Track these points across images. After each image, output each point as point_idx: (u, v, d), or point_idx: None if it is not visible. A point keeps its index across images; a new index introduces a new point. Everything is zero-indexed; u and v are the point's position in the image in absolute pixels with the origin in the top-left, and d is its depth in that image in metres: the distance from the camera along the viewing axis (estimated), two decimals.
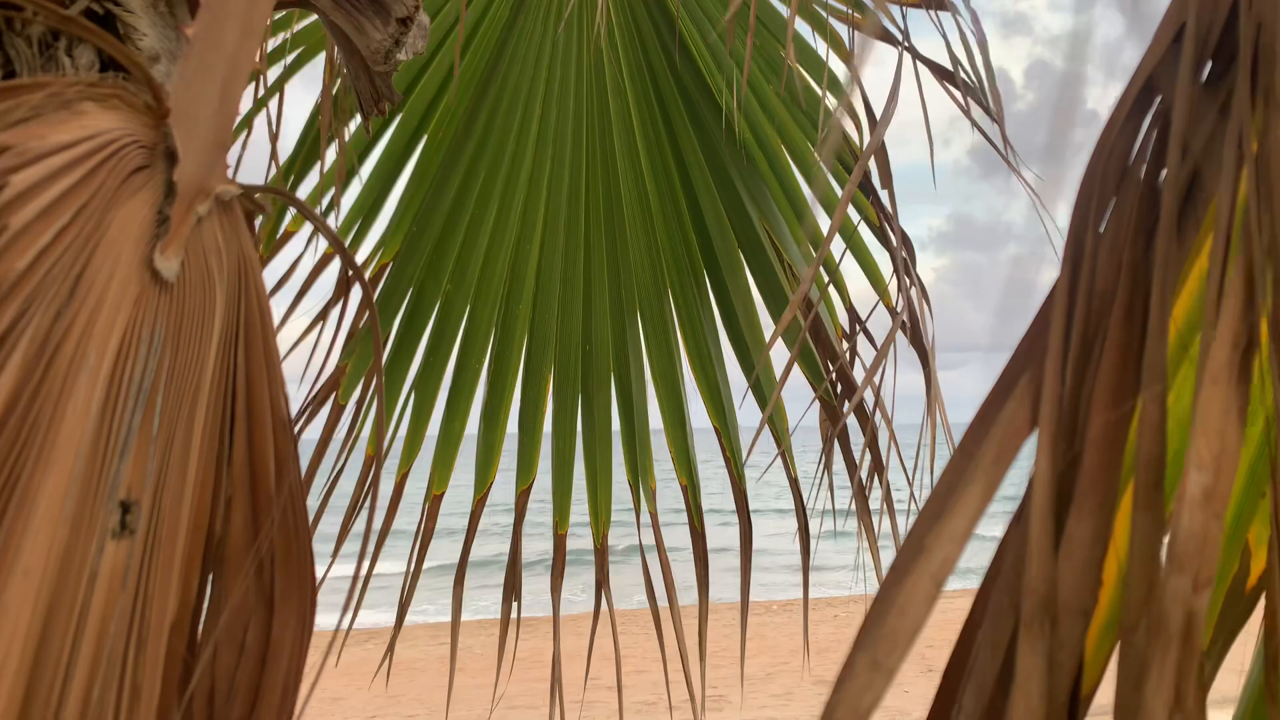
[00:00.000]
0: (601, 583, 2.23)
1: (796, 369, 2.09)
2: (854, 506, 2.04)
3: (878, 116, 1.49)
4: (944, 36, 1.58)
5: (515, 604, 2.25)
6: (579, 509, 2.23)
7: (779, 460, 2.09)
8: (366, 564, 1.96)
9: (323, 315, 1.77)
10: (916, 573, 0.38)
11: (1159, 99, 0.46)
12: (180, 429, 0.60)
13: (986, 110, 1.71)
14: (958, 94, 1.68)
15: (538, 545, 2.30)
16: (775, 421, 2.16)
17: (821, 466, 2.03)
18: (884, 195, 1.89)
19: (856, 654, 0.36)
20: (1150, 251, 0.42)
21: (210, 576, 0.57)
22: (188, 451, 0.60)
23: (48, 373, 0.59)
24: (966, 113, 1.76)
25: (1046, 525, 0.38)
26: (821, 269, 2.13)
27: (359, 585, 2.02)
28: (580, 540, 2.30)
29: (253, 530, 0.56)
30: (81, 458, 0.58)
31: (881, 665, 0.36)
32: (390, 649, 2.17)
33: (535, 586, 2.19)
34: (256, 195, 0.66)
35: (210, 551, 0.57)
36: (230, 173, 0.72)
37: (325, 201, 1.93)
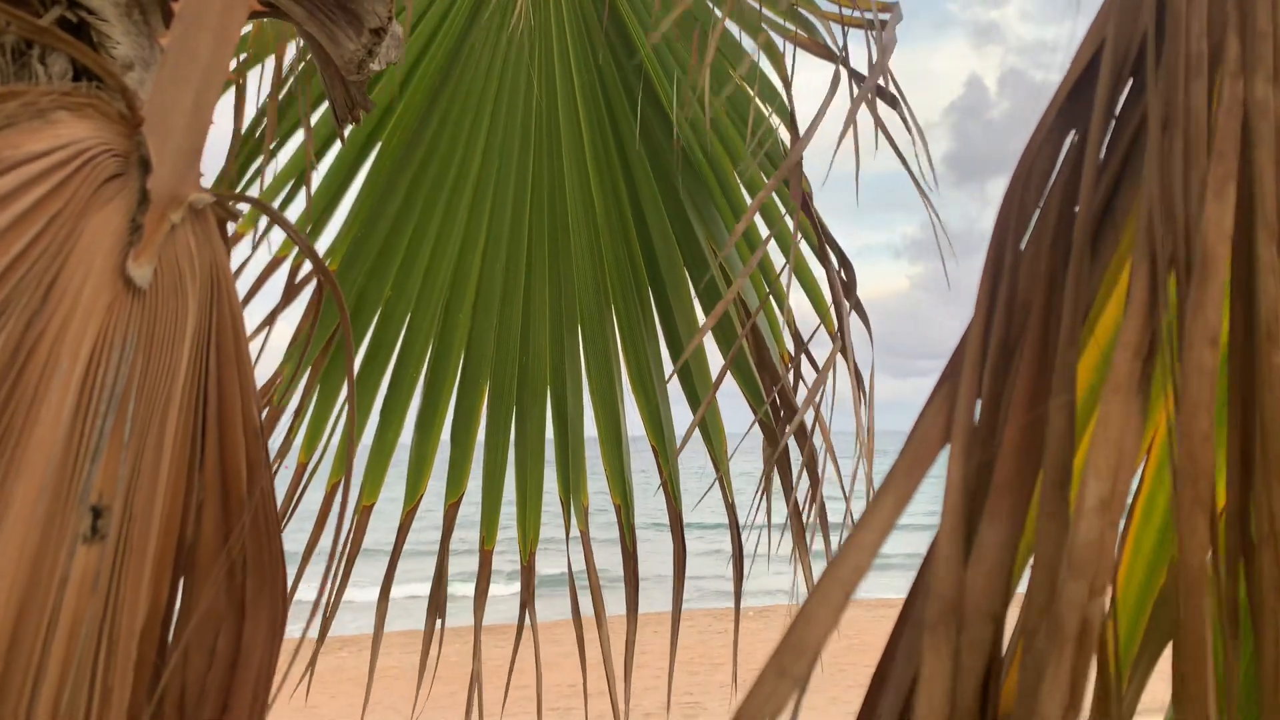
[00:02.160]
0: (526, 602, 2.24)
1: (736, 390, 2.14)
2: (793, 526, 2.08)
3: (845, 135, 1.54)
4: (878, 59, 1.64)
5: (440, 620, 2.26)
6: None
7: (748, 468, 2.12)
8: (335, 578, 1.97)
9: (270, 320, 1.78)
10: (825, 582, 0.39)
11: (1077, 125, 0.48)
12: (152, 434, 0.62)
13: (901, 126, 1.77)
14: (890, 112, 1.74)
15: (511, 558, 2.32)
16: (714, 443, 2.19)
17: (760, 489, 2.07)
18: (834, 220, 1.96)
19: (767, 664, 0.37)
20: (1067, 265, 0.44)
21: (181, 582, 0.59)
22: (159, 457, 0.62)
23: (20, 378, 0.61)
24: (889, 137, 1.83)
25: (955, 530, 0.39)
26: (765, 286, 2.19)
27: (328, 602, 2.02)
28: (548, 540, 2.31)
29: (224, 535, 0.59)
30: (53, 463, 0.60)
31: (788, 673, 0.37)
32: (312, 664, 2.16)
33: (508, 591, 2.22)
34: (230, 203, 0.68)
35: (182, 557, 0.59)
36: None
37: (278, 202, 1.94)
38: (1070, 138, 0.48)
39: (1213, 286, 0.39)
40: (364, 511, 2.21)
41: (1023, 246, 0.46)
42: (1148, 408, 0.39)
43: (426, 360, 2.19)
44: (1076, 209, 0.45)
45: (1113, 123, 0.47)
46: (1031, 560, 0.38)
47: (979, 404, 0.43)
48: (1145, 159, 0.43)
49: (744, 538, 2.15)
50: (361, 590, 2.13)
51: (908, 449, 0.42)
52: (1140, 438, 0.38)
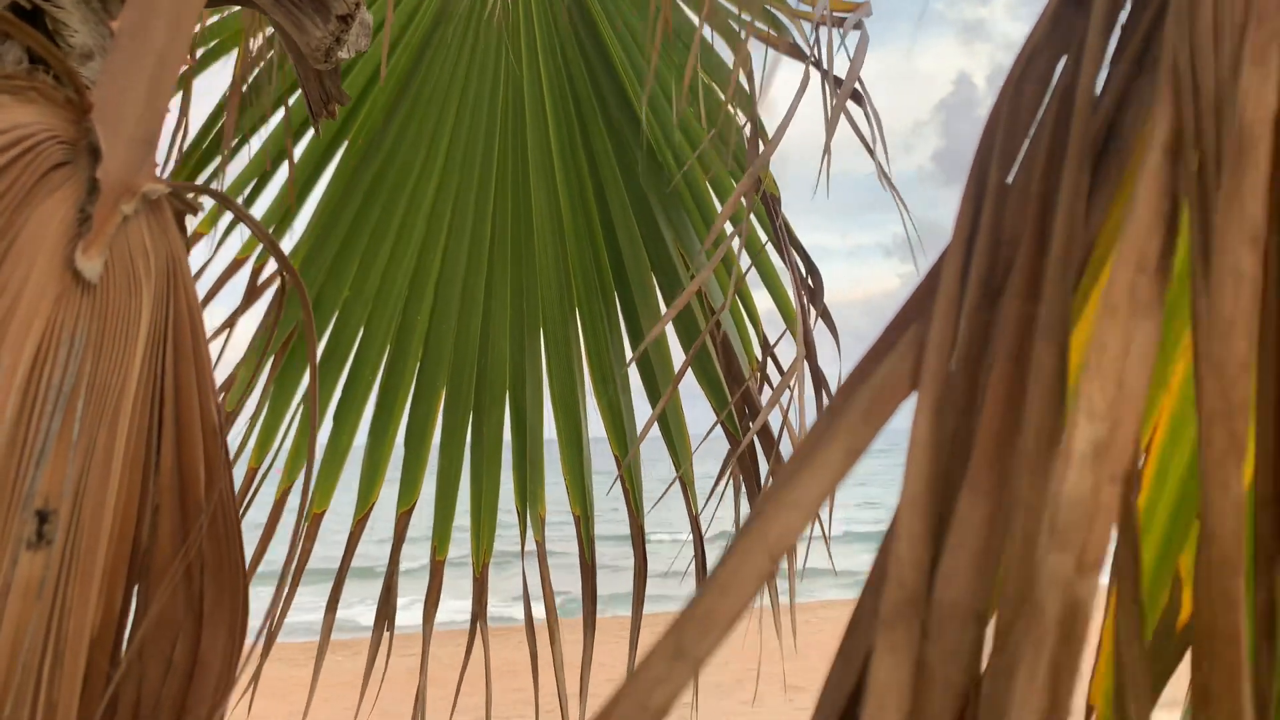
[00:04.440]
0: (479, 616, 2.23)
1: (703, 398, 2.14)
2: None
3: (826, 142, 1.55)
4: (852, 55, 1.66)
5: (388, 633, 2.25)
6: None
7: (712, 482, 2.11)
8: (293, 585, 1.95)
9: (230, 322, 1.76)
10: (745, 544, 0.32)
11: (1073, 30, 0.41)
12: (103, 435, 0.61)
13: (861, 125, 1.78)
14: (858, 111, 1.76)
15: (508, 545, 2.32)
16: (677, 450, 2.19)
17: (720, 493, 2.07)
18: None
19: (662, 639, 0.31)
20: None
21: (136, 588, 0.58)
22: (110, 458, 0.61)
23: None
24: (867, 145, 1.84)
25: (920, 499, 0.33)
26: (731, 287, 2.19)
27: (272, 616, 2.01)
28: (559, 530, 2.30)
29: (181, 539, 0.58)
30: None
31: (686, 654, 0.30)
32: (261, 667, 2.13)
33: (502, 587, 2.20)
34: (187, 194, 0.67)
35: (136, 562, 0.58)
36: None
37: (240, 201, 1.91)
38: (1062, 63, 0.41)
39: (1252, 173, 0.32)
40: (314, 519, 2.19)
41: (1009, 180, 0.39)
42: (1158, 336, 0.31)
43: (383, 363, 2.17)
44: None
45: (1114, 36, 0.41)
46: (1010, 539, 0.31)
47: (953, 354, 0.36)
48: (1167, 20, 0.36)
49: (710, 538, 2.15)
50: (349, 590, 2.12)
51: (863, 393, 0.35)
52: (1147, 371, 0.30)
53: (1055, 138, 0.39)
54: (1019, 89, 0.41)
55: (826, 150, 1.64)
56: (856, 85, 1.67)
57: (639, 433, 2.19)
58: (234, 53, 1.84)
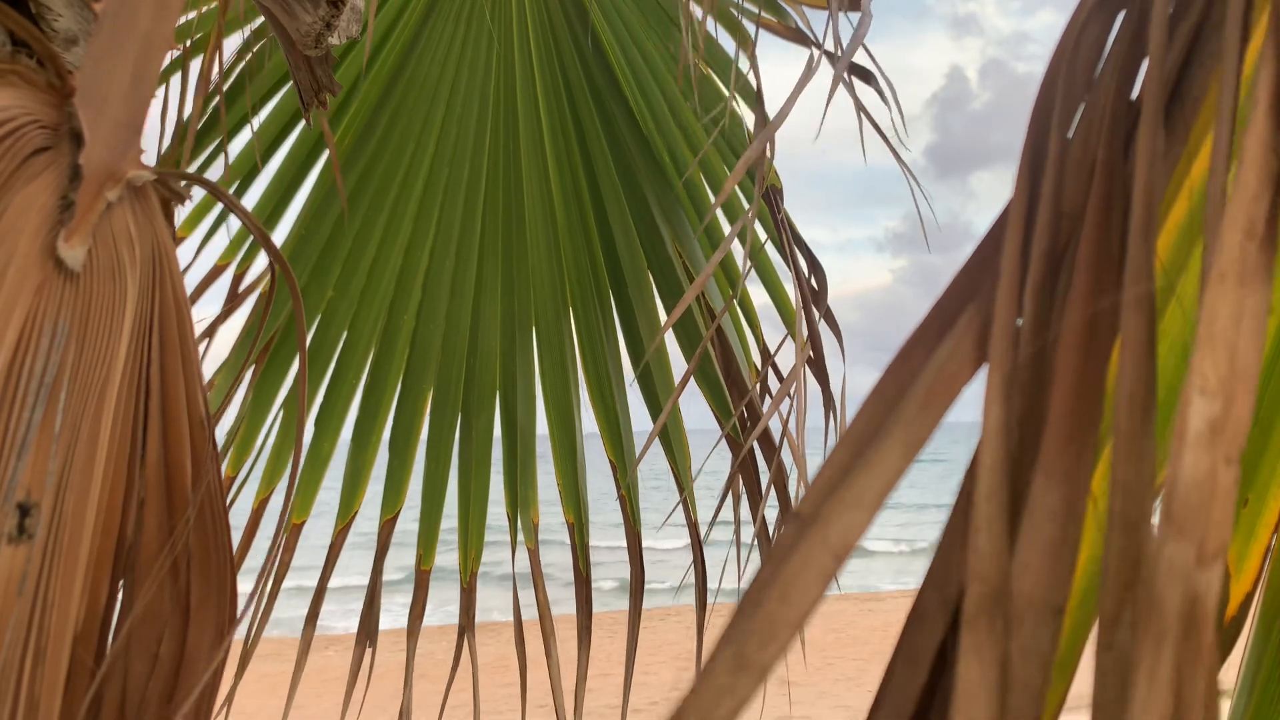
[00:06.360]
0: (466, 628, 2.23)
1: (704, 404, 2.15)
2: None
3: (824, 118, 1.56)
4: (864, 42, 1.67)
5: (371, 649, 2.25)
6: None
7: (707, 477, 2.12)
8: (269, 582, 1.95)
9: (211, 330, 1.76)
10: (807, 546, 0.31)
11: None
12: (86, 426, 0.61)
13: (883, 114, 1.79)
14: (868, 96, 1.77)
15: (499, 554, 2.31)
16: (676, 456, 2.19)
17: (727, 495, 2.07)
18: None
19: (722, 647, 0.30)
20: (1130, 154, 0.36)
21: (122, 583, 0.58)
22: (94, 450, 0.61)
23: None
24: (873, 121, 1.85)
25: (998, 492, 0.31)
26: (730, 289, 2.20)
27: (261, 600, 2.00)
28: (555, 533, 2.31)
29: (168, 533, 0.58)
30: None
31: (751, 663, 0.29)
32: (240, 671, 2.13)
33: (493, 591, 2.20)
34: (174, 181, 0.68)
35: (122, 556, 0.58)
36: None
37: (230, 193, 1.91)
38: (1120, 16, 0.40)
39: None
40: (294, 530, 2.18)
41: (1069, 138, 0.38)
42: (1268, 305, 0.29)
43: (367, 365, 2.17)
44: (1135, 96, 0.37)
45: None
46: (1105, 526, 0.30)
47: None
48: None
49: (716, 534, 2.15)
50: (345, 579, 2.12)
51: (921, 380, 0.34)
52: (1260, 343, 0.29)
53: (1118, 99, 0.37)
54: (1076, 50, 0.39)
55: (857, 113, 1.62)
56: (865, 65, 1.67)
57: (637, 442, 2.19)
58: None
